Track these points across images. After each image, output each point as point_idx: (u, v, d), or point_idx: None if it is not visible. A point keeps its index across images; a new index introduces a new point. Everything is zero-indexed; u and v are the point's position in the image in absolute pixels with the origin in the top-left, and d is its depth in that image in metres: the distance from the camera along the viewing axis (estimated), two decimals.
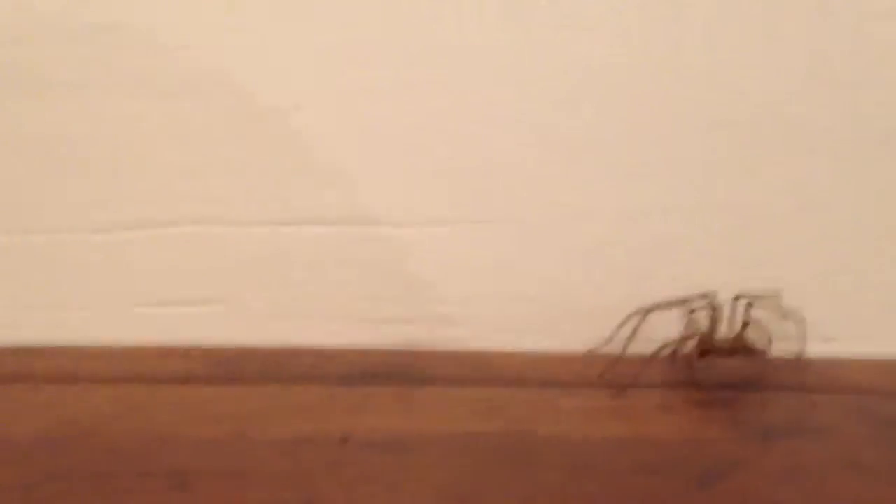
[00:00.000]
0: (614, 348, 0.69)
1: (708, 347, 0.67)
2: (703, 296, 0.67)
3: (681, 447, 0.60)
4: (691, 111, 0.68)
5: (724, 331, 0.68)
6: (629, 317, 0.69)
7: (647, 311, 0.67)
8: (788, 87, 0.68)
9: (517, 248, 0.71)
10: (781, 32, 0.67)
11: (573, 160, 0.70)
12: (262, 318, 0.73)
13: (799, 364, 0.67)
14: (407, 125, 0.69)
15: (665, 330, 0.67)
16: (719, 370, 0.68)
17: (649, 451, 0.60)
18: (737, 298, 0.68)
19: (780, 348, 0.68)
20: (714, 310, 0.67)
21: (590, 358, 0.70)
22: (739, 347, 0.68)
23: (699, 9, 0.66)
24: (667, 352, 0.67)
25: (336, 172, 0.70)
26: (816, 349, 0.69)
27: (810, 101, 0.68)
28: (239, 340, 0.72)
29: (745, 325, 0.67)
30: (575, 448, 0.60)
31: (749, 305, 0.67)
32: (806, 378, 0.67)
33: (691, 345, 0.67)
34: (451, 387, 0.67)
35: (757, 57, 0.68)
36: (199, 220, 0.71)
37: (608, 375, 0.68)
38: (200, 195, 0.71)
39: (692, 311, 0.67)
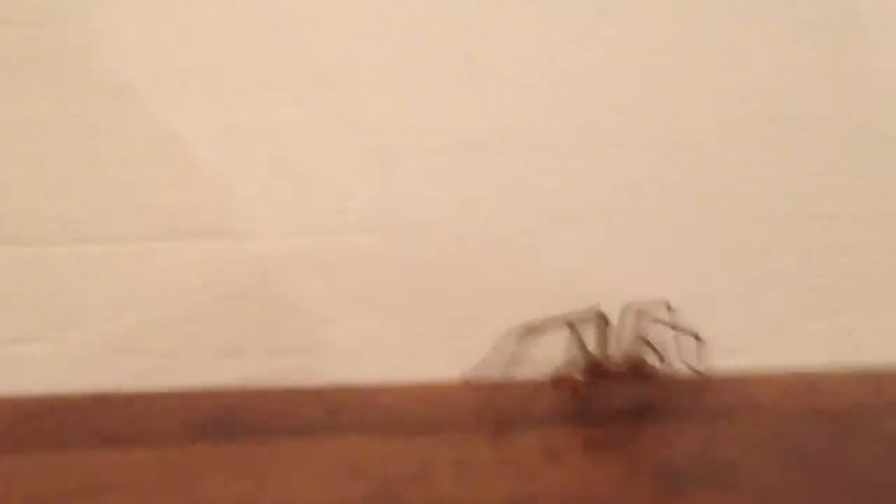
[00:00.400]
0: (489, 374, 0.60)
1: (596, 371, 0.58)
2: (588, 311, 0.58)
3: None
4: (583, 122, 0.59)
5: (613, 350, 0.59)
6: (505, 338, 0.59)
7: (526, 332, 0.58)
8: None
9: (381, 260, 0.61)
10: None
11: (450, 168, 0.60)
12: (71, 360, 0.61)
13: (700, 385, 0.59)
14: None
15: (547, 351, 0.58)
16: (611, 398, 0.59)
17: None
18: (625, 311, 0.59)
19: (678, 366, 0.60)
20: (600, 326, 0.58)
21: (462, 389, 0.60)
22: (632, 369, 0.59)
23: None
24: (550, 379, 0.57)
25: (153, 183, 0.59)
26: (716, 364, 0.60)
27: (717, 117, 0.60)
28: (44, 387, 0.61)
29: (639, 341, 0.58)
30: None
31: (640, 318, 0.58)
32: (709, 401, 0.58)
33: (577, 369, 0.58)
34: (299, 439, 0.56)
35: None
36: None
37: (483, 412, 0.58)
38: None
39: (575, 329, 0.58)
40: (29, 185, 0.59)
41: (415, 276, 0.62)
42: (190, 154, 0.59)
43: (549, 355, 0.58)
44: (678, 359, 0.60)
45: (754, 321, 0.63)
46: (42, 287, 0.60)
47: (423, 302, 0.62)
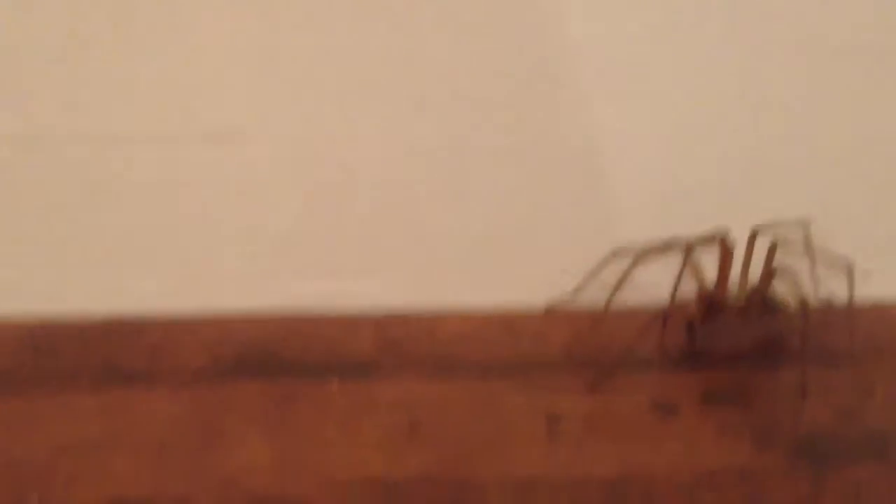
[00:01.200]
0: (582, 303, 0.49)
1: (716, 303, 0.47)
2: (710, 233, 0.47)
3: (691, 485, 0.40)
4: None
5: (738, 280, 0.48)
6: (605, 260, 0.48)
7: (631, 254, 0.47)
8: None
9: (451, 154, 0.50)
10: None
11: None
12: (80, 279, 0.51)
13: (848, 322, 0.47)
14: None
15: (655, 279, 0.48)
16: (734, 338, 0.48)
17: (647, 499, 0.40)
18: (755, 233, 0.47)
19: (818, 299, 0.48)
20: (724, 250, 0.47)
21: (547, 319, 0.50)
22: (760, 302, 0.47)
23: None
24: (658, 312, 0.46)
25: None
26: (866, 296, 0.49)
27: None
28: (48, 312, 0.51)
29: (770, 272, 0.47)
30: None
31: (774, 245, 0.47)
32: (860, 343, 0.47)
33: (691, 301, 0.47)
34: (349, 381, 0.46)
35: None
36: None
37: (574, 350, 0.48)
38: None
39: (692, 253, 0.47)
40: None
41: (492, 179, 0.51)
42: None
43: (657, 284, 0.48)
44: (819, 291, 0.49)
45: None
46: (45, 189, 0.50)
47: (502, 214, 0.51)
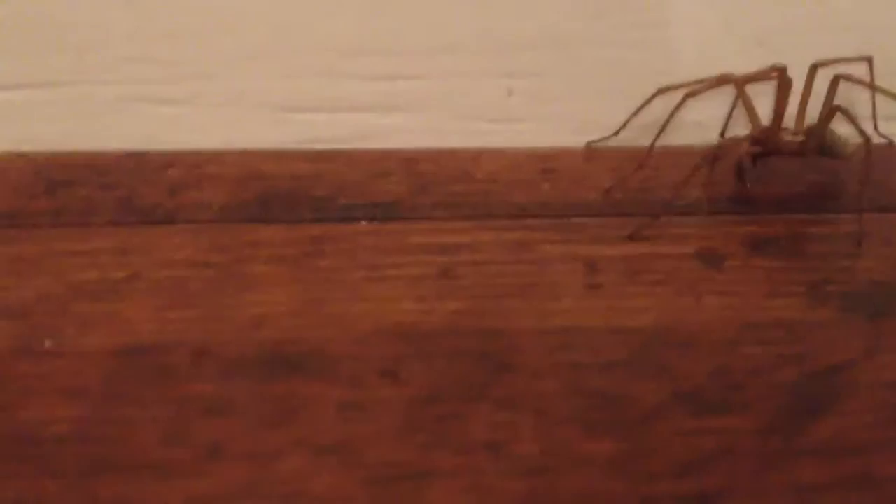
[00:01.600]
0: (627, 144, 0.46)
1: (769, 142, 0.44)
2: (766, 69, 0.43)
3: (735, 339, 0.38)
4: None
5: (795, 120, 0.44)
6: (650, 98, 0.45)
7: (685, 93, 0.43)
8: None
9: None
10: None
11: None
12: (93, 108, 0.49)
13: None
14: None
15: (704, 118, 0.44)
16: (788, 180, 0.45)
17: (689, 353, 0.38)
18: (815, 70, 0.44)
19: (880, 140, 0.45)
20: (781, 87, 0.44)
21: (586, 158, 0.47)
22: (817, 142, 0.44)
23: None
24: (707, 151, 0.43)
25: None
26: None
27: None
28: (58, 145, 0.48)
29: (831, 109, 0.43)
30: (571, 355, 0.38)
31: (836, 80, 0.43)
32: None
33: (743, 141, 0.44)
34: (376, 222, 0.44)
35: None
36: None
37: (615, 192, 0.45)
38: None
39: (745, 90, 0.43)
40: None
41: (532, 10, 0.47)
42: None
43: (706, 124, 0.44)
44: (881, 131, 0.46)
45: None
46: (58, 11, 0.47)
47: (542, 46, 0.48)
